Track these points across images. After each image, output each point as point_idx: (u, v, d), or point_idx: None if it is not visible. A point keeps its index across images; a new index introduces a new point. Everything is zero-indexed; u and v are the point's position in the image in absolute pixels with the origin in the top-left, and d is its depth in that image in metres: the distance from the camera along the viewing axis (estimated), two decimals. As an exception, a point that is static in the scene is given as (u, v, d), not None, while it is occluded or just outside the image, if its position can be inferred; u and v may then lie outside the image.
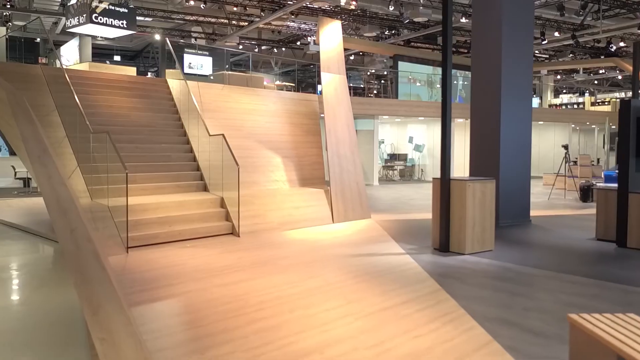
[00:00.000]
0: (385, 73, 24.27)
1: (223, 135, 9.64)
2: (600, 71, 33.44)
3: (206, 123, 10.71)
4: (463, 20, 19.15)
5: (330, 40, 12.62)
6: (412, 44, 25.39)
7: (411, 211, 12.40)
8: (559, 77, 35.79)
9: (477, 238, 7.46)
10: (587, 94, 38.23)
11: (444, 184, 7.45)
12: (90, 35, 20.83)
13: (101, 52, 26.51)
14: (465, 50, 27.57)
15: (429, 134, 23.62)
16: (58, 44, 22.80)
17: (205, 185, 10.46)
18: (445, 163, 7.46)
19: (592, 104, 33.74)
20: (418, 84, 25.08)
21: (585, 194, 13.97)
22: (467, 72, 27.58)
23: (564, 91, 39.78)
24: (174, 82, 12.81)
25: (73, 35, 21.42)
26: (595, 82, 37.59)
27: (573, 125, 26.80)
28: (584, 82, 37.10)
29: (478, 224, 7.45)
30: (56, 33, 22.23)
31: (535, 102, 30.40)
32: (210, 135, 10.35)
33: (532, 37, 10.74)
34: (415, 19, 18.94)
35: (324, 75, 12.26)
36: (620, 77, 35.41)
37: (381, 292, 5.37)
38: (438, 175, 7.62)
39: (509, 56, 10.10)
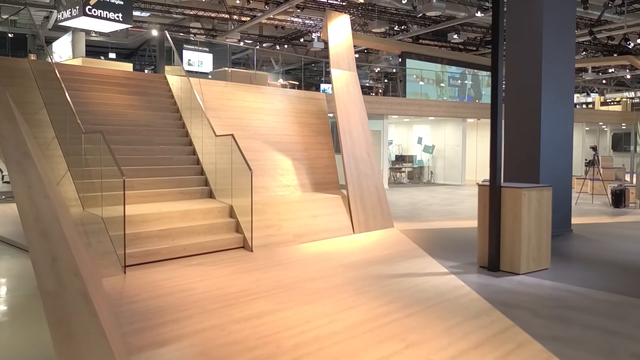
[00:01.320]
0: (394, 70, 23.23)
1: (232, 135, 8.58)
2: (610, 70, 32.54)
3: (204, 123, 9.71)
4: (478, 14, 18.13)
5: (338, 34, 11.74)
6: (421, 41, 24.37)
7: (434, 219, 11.36)
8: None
9: (532, 255, 6.41)
10: (596, 94, 37.24)
11: (494, 192, 6.40)
12: (83, 30, 19.74)
13: (95, 50, 25.36)
14: (474, 48, 26.60)
15: (438, 134, 22.58)
16: (50, 41, 21.69)
17: (210, 191, 9.39)
18: (496, 168, 6.42)
19: (602, 103, 32.84)
20: (421, 82, 24.03)
21: (618, 198, 12.97)
22: (475, 71, 26.73)
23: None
24: (173, 79, 11.76)
25: (65, 30, 20.31)
26: (603, 81, 36.64)
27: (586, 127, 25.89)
28: (591, 82, 36.14)
29: (534, 239, 6.41)
30: (48, 28, 21.10)
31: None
32: (216, 136, 9.30)
33: (575, 25, 9.71)
34: (428, 13, 17.90)
35: (334, 72, 11.32)
36: (629, 77, 34.48)
37: (443, 330, 4.32)
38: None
39: (551, 49, 9.07)
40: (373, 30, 21.04)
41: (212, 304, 5.03)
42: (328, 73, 11.45)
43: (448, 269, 6.55)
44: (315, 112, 13.32)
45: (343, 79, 11.44)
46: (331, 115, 13.47)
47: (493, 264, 6.44)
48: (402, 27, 20.90)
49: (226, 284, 5.79)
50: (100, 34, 22.64)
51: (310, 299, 5.22)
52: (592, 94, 37.17)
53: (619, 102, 32.34)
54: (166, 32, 13.90)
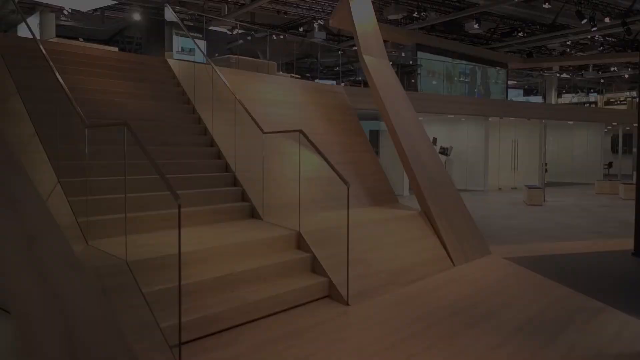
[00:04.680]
0: (410, 62, 20.99)
1: (301, 131, 6.04)
2: (612, 69, 31.22)
3: (227, 117, 7.31)
4: None
5: (362, 16, 9.80)
6: (432, 33, 22.19)
7: (521, 239, 9.05)
8: (564, 74, 33.37)
9: None
10: (596, 93, 35.72)
11: None
12: (53, 11, 16.80)
13: (64, 37, 22.18)
14: (484, 41, 24.60)
15: (454, 134, 20.38)
16: (13, 24, 18.55)
17: (252, 208, 6.84)
18: None
19: (605, 103, 31.46)
20: (417, 78, 21.67)
21: None
22: (484, 66, 24.70)
23: (564, 91, 37.39)
24: (178, 64, 9.18)
25: (29, 13, 17.30)
26: (602, 80, 35.23)
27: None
28: (589, 82, 34.74)
29: None
30: (9, 9, 17.95)
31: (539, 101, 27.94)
32: (264, 133, 6.75)
33: None
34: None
35: (366, 59, 9.14)
36: (626, 76, 33.22)
37: None
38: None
39: None
40: (389, 17, 18.69)
41: None
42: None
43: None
44: (339, 106, 10.97)
45: (378, 67, 9.28)
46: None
47: None
48: (422, 14, 18.59)
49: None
50: (72, 17, 19.65)
51: None
52: (589, 93, 35.69)
53: (623, 101, 30.92)
54: (167, 6, 11.20)
